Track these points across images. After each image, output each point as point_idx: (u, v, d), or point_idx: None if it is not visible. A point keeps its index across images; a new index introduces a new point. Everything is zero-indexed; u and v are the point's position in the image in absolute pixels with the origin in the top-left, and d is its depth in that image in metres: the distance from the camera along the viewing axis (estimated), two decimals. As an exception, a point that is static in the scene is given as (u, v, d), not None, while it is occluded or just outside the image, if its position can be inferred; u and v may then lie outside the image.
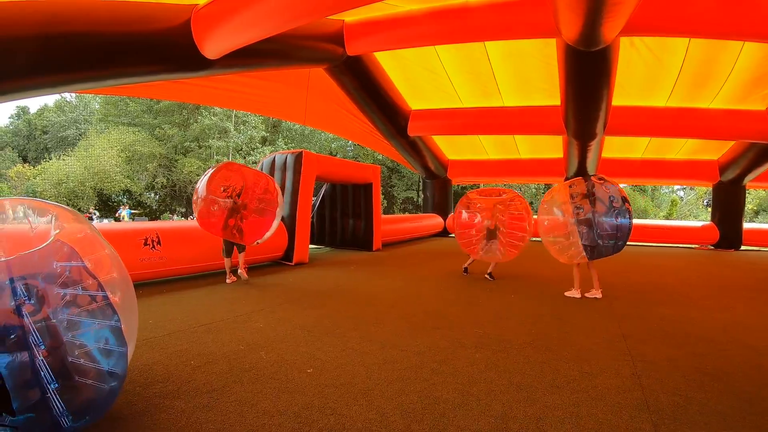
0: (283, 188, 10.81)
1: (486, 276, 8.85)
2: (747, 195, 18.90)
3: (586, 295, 7.14)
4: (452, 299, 6.99)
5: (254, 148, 42.26)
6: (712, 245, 17.03)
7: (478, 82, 13.52)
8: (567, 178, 17.54)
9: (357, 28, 10.70)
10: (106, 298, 2.68)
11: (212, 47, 7.95)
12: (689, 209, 46.55)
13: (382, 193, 43.90)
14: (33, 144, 48.41)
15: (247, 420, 2.99)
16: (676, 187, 49.34)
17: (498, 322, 5.63)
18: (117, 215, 28.40)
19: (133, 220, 28.88)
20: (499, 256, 8.83)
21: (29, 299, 2.48)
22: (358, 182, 13.80)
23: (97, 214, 32.51)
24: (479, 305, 6.57)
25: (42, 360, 2.46)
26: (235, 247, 8.34)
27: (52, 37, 6.50)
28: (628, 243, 7.01)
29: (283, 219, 10.58)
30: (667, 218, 43.14)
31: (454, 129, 15.62)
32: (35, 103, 59.02)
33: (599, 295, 7.11)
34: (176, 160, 40.13)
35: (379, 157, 38.99)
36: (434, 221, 19.65)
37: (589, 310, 6.31)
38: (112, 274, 2.92)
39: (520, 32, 9.60)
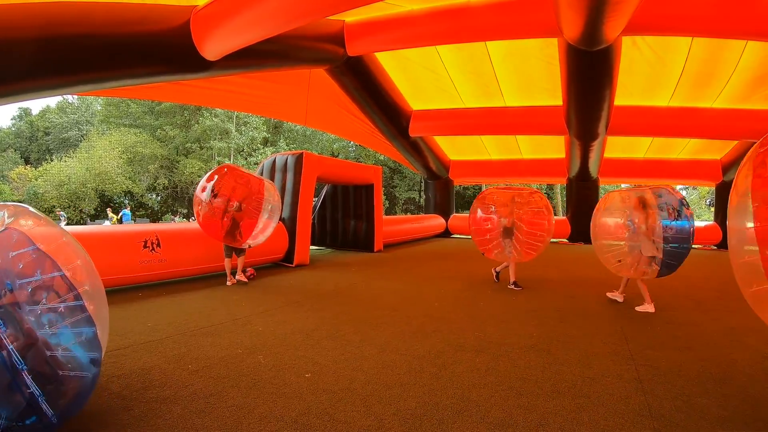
0: (283, 189, 10.79)
1: (510, 286, 7.98)
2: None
3: (638, 308, 6.45)
4: (453, 301, 6.93)
5: (255, 149, 42.28)
6: (715, 245, 16.95)
7: (479, 82, 13.46)
8: (569, 179, 17.55)
9: (357, 28, 10.65)
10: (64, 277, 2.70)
11: (212, 48, 7.91)
12: (692, 209, 46.40)
13: (384, 194, 43.92)
14: (35, 145, 48.49)
15: (243, 426, 2.97)
16: (679, 186, 49.20)
17: (500, 325, 5.57)
18: (122, 216, 28.26)
19: (134, 221, 28.88)
20: (515, 256, 8.14)
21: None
22: (359, 183, 13.75)
23: (65, 215, 32.30)
24: (481, 308, 6.51)
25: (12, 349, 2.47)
26: (234, 250, 8.39)
27: (52, 40, 6.46)
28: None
29: (283, 220, 10.56)
30: (669, 218, 42.86)
31: (455, 129, 15.56)
32: (37, 104, 59.25)
33: (652, 309, 6.39)
34: (178, 162, 40.19)
35: (381, 157, 38.93)
36: (436, 222, 19.58)
37: (593, 313, 6.24)
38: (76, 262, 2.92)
39: (522, 32, 9.53)
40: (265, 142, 44.93)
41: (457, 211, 21.48)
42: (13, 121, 51.45)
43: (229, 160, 39.61)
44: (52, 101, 51.18)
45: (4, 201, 30.60)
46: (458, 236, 20.40)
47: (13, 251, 2.64)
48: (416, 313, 6.15)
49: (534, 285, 8.36)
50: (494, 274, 8.69)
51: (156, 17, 7.52)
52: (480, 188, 43.16)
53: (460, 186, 37.52)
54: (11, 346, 2.46)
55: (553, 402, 3.37)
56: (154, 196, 41.62)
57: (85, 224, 30.89)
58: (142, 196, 39.27)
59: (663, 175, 17.79)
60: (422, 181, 20.96)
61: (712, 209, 19.28)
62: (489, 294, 7.51)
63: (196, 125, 40.26)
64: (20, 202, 32.80)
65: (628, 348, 4.68)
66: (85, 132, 43.44)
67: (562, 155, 17.20)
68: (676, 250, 6.23)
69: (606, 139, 14.55)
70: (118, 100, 40.58)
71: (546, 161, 18.78)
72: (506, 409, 3.25)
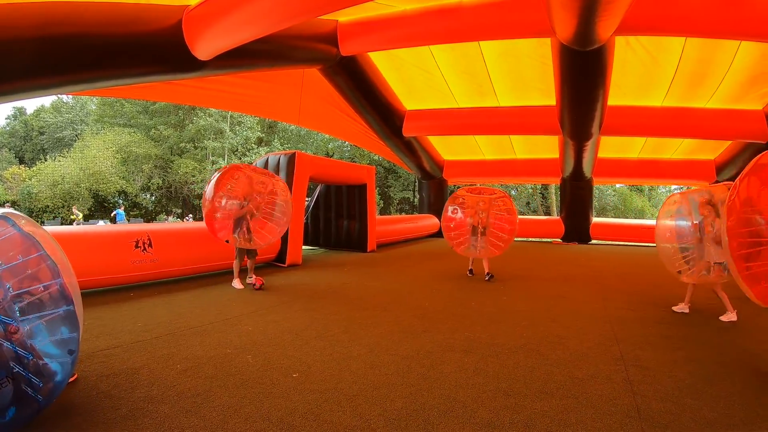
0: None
1: (485, 276, 8.80)
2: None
3: (722, 318, 5.98)
4: (445, 301, 6.90)
5: (250, 149, 42.12)
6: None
7: (473, 82, 13.45)
8: (563, 179, 17.56)
9: (351, 28, 10.62)
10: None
11: (204, 48, 7.87)
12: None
13: (379, 194, 43.89)
14: (30, 145, 48.21)
15: (229, 425, 2.96)
16: (673, 187, 49.32)
17: (490, 325, 5.55)
18: (115, 216, 28.02)
19: (128, 221, 28.76)
20: (481, 253, 8.95)
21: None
22: (352, 183, 13.72)
23: (80, 213, 32.25)
24: (472, 308, 6.48)
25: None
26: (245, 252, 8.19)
27: (43, 40, 6.42)
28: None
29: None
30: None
31: (449, 129, 15.56)
32: (32, 104, 58.79)
33: (734, 317, 5.95)
34: (172, 161, 39.99)
35: (376, 157, 38.87)
36: (430, 222, 19.53)
37: (584, 313, 6.22)
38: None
39: (515, 32, 9.54)
40: (260, 141, 44.76)
41: (451, 212, 21.38)
42: (8, 120, 51.11)
43: (224, 159, 39.47)
44: (46, 101, 50.96)
45: (-3, 201, 30.59)
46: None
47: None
48: (406, 313, 6.12)
49: (526, 285, 8.35)
50: (469, 270, 9.41)
51: (148, 17, 7.47)
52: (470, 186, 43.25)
53: (454, 186, 37.50)
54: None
55: (540, 403, 3.34)
56: (149, 195, 41.46)
57: (79, 224, 30.73)
58: (136, 196, 39.04)
59: (657, 175, 17.86)
60: (416, 181, 20.92)
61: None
62: (480, 294, 7.47)
63: (191, 125, 40.04)
64: (14, 202, 32.95)
65: (619, 348, 4.65)
66: (79, 131, 43.19)
67: (556, 155, 17.21)
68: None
69: (599, 139, 14.58)
70: (113, 99, 40.33)
71: (540, 161, 18.77)
72: (493, 410, 3.22)
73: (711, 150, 16.18)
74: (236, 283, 7.90)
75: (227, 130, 40.48)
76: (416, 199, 32.19)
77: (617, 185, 44.68)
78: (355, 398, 3.40)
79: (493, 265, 9.09)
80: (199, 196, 33.44)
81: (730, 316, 5.98)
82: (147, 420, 3.00)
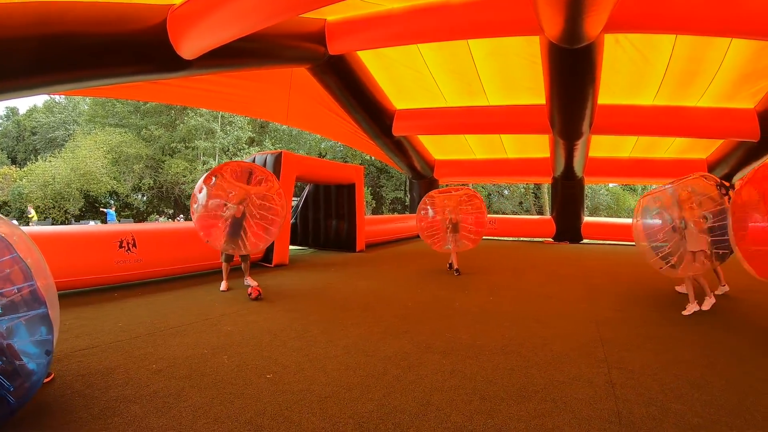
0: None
1: (453, 271, 9.45)
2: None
3: (684, 312, 6.08)
4: (429, 301, 6.80)
5: (241, 149, 41.98)
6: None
7: (462, 82, 13.37)
8: (555, 178, 17.50)
9: (338, 27, 10.54)
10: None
11: (188, 47, 7.83)
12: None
13: (371, 194, 43.81)
14: (22, 145, 47.96)
15: (197, 426, 2.95)
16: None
17: (473, 326, 5.43)
18: (106, 216, 27.79)
19: (119, 221, 28.62)
20: (456, 248, 9.63)
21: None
22: (340, 183, 13.62)
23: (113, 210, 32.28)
24: (456, 308, 6.37)
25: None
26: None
27: (27, 40, 6.42)
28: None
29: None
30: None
31: (439, 129, 15.46)
32: (24, 104, 58.71)
33: (697, 308, 6.14)
34: (163, 161, 39.82)
35: (368, 157, 38.78)
36: (421, 222, 19.45)
37: (571, 314, 6.09)
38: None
39: (503, 30, 9.48)
40: (251, 141, 44.63)
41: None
42: (0, 120, 50.92)
43: (214, 160, 39.32)
44: (39, 100, 50.76)
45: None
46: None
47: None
48: (389, 313, 6.02)
49: (513, 285, 8.24)
50: (449, 265, 9.87)
51: (133, 17, 7.46)
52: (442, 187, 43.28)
53: (445, 185, 37.48)
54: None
55: (517, 407, 3.23)
56: (140, 196, 41.28)
57: (70, 224, 30.60)
58: (127, 196, 38.88)
59: (649, 174, 17.77)
60: (407, 180, 20.86)
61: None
62: (466, 295, 7.35)
63: (182, 125, 39.88)
64: (5, 202, 32.75)
65: (603, 350, 4.52)
66: (72, 132, 42.97)
67: (547, 154, 17.13)
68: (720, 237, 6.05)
69: (590, 138, 14.52)
70: (104, 99, 40.18)
71: (531, 160, 18.68)
72: (467, 414, 3.12)
73: (703, 149, 16.13)
74: (223, 285, 7.67)
75: (218, 130, 40.32)
76: (408, 199, 32.16)
77: (610, 185, 44.81)
78: (326, 400, 3.35)
79: (482, 265, 9.03)
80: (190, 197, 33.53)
81: (691, 308, 6.10)
82: (117, 419, 3.02)
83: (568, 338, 4.93)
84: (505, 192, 46.51)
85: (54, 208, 33.91)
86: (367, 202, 43.80)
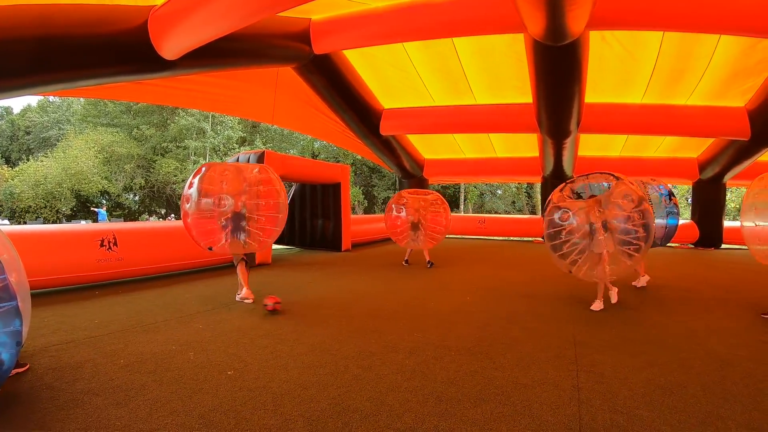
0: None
1: (426, 263, 10.35)
2: (730, 193, 18.74)
3: (592, 308, 6.25)
4: (405, 301, 6.73)
5: (231, 149, 41.84)
6: (692, 244, 16.80)
7: (449, 80, 13.25)
8: (545, 178, 17.42)
9: (323, 26, 10.42)
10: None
11: (169, 48, 7.75)
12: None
13: (363, 193, 43.71)
14: (16, 145, 47.73)
15: (153, 418, 3.02)
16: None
17: (445, 325, 5.34)
18: (97, 215, 27.62)
19: (110, 221, 28.47)
20: (419, 246, 10.40)
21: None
22: (325, 182, 13.56)
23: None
24: (431, 307, 6.30)
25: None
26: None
27: (9, 41, 6.42)
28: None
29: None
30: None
31: (426, 128, 15.32)
32: (19, 103, 58.38)
33: (602, 305, 6.28)
34: (154, 161, 39.67)
35: (359, 156, 38.74)
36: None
37: (546, 315, 5.97)
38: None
39: (487, 27, 9.36)
40: (243, 141, 44.48)
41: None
42: (-6, 120, 50.75)
43: (205, 159, 39.16)
44: (33, 100, 50.56)
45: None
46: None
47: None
48: (362, 312, 5.96)
49: (493, 285, 8.14)
50: (405, 261, 10.88)
51: (114, 18, 7.42)
52: (458, 187, 43.29)
53: (439, 185, 37.50)
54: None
55: (473, 410, 3.12)
56: (131, 196, 41.13)
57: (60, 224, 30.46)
58: (119, 196, 38.72)
59: (639, 173, 17.59)
60: (397, 180, 20.78)
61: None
62: (442, 294, 7.27)
63: (173, 125, 39.74)
64: (-3, 202, 32.63)
65: (575, 352, 4.39)
66: (65, 131, 42.81)
67: (537, 154, 17.02)
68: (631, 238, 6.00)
69: (579, 137, 14.41)
70: (96, 99, 40.05)
71: (521, 159, 18.54)
72: (420, 416, 3.03)
73: (694, 148, 16.04)
74: (244, 293, 6.73)
75: (209, 130, 40.18)
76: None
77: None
78: (281, 397, 3.34)
79: (465, 264, 8.96)
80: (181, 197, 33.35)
81: (598, 305, 6.27)
82: (79, 410, 3.11)
83: (540, 340, 4.82)
84: (498, 192, 46.44)
85: (45, 207, 33.76)
86: (358, 201, 43.74)
